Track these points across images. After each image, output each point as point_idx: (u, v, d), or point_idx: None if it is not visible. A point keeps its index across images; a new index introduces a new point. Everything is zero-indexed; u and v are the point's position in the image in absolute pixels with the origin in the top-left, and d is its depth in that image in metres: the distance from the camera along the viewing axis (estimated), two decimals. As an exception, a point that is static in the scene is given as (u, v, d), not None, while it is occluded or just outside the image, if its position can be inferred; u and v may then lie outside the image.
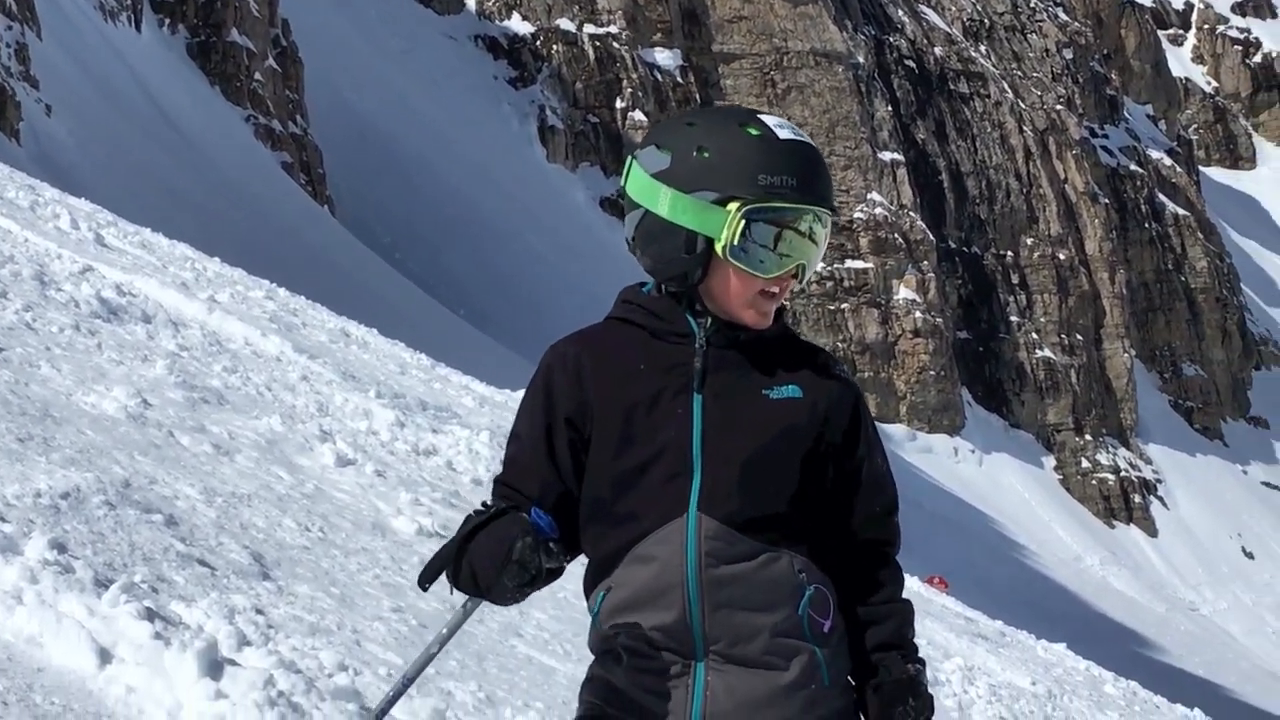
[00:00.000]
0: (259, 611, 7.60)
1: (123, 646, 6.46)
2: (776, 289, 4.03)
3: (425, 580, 4.10)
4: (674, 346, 4.06)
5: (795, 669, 3.99)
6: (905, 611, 4.16)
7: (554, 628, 9.78)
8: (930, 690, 4.14)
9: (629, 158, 4.15)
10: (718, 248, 3.99)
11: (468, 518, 4.06)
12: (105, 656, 6.34)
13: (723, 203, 3.98)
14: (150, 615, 6.72)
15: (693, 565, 3.94)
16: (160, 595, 7.19)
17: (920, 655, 4.16)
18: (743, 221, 3.97)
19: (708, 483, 3.96)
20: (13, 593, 6.58)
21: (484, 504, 4.12)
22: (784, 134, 4.02)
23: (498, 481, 4.18)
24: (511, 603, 4.06)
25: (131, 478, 9.05)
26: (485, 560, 3.98)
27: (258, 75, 66.01)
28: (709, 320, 4.06)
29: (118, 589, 6.82)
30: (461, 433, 16.00)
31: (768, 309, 4.05)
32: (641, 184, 4.08)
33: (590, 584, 4.08)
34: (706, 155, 4.00)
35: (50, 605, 6.56)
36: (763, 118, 4.05)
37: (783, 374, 4.05)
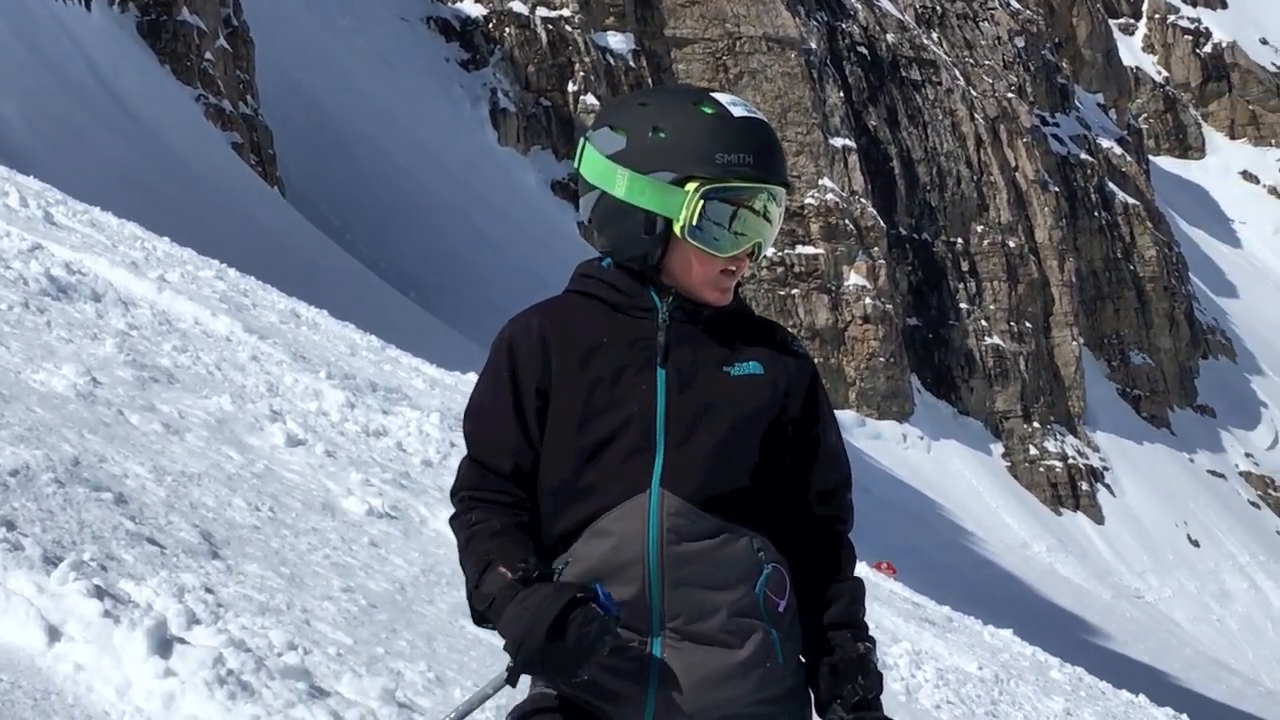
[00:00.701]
0: (208, 590, 7.58)
1: (71, 624, 6.44)
2: (734, 267, 4.04)
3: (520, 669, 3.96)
4: (636, 321, 4.06)
5: (750, 647, 4.00)
6: (857, 590, 4.17)
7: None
8: (879, 669, 4.15)
9: (582, 139, 4.14)
10: (676, 228, 3.99)
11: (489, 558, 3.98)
12: (54, 634, 6.33)
13: (680, 182, 3.98)
14: (99, 593, 6.70)
15: (654, 541, 3.94)
16: (109, 573, 7.17)
17: (870, 634, 4.17)
18: (700, 201, 3.97)
19: (671, 459, 3.96)
20: (-39, 569, 6.56)
21: (472, 515, 4.05)
22: (738, 111, 4.02)
23: (469, 460, 4.13)
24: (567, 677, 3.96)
25: (81, 456, 9.02)
26: (523, 626, 3.87)
27: (208, 55, 65.70)
28: (670, 296, 4.06)
29: (67, 566, 6.81)
30: (412, 414, 15.98)
31: (727, 286, 4.06)
32: (597, 166, 4.07)
33: (547, 557, 4.07)
34: (662, 135, 4.00)
35: (-1, 582, 6.54)
36: (716, 96, 4.05)
37: (743, 350, 4.05)
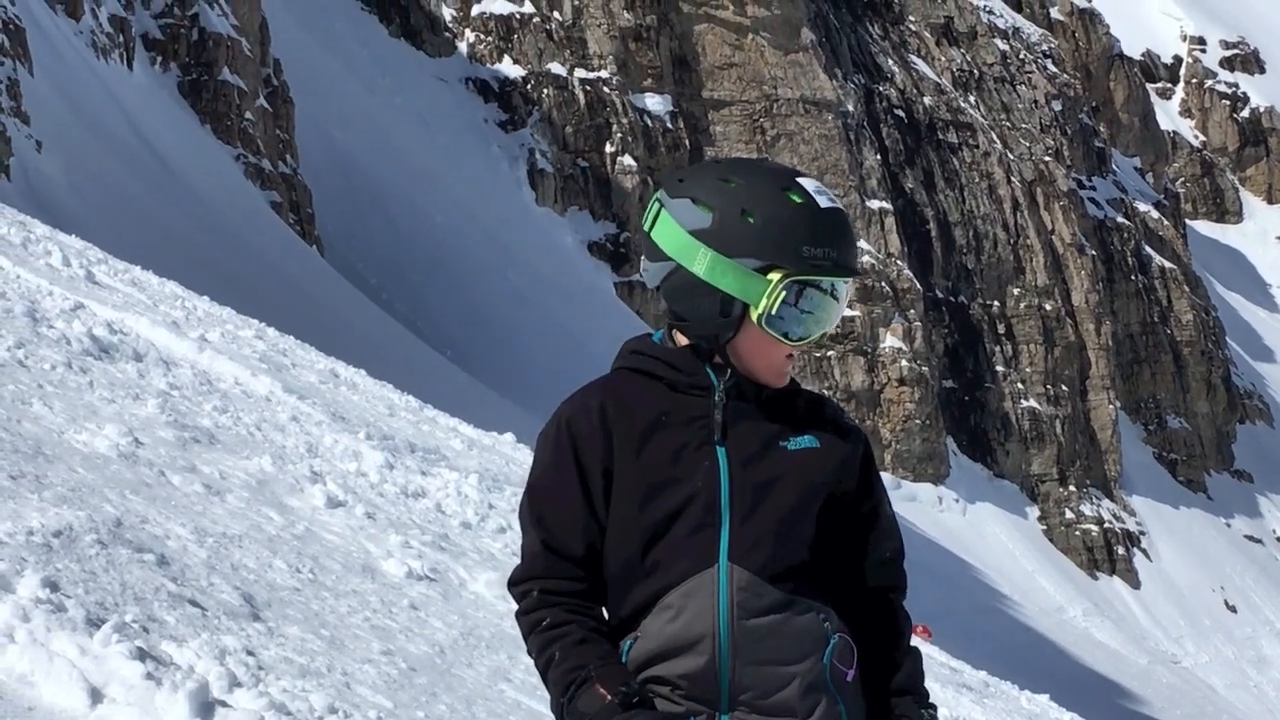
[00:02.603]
0: (250, 653, 7.59)
1: (114, 686, 6.45)
2: (795, 352, 4.06)
3: None
4: (694, 399, 4.07)
5: (818, 719, 4.01)
6: (917, 658, 4.20)
7: (543, 673, 9.76)
8: None
9: (656, 203, 4.11)
10: (753, 314, 4.00)
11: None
12: (97, 696, 6.34)
13: (764, 270, 3.99)
14: (142, 655, 6.72)
15: (724, 616, 3.95)
16: (151, 635, 7.19)
17: (932, 701, 4.18)
18: (783, 291, 3.99)
19: (737, 534, 3.97)
20: (4, 631, 6.58)
21: (548, 616, 4.07)
22: (824, 202, 4.03)
23: (538, 546, 4.09)
24: None
25: (123, 516, 9.05)
26: None
27: (248, 114, 66.05)
28: (728, 373, 4.07)
29: (109, 628, 6.82)
30: (450, 475, 15.99)
31: (788, 369, 4.08)
32: (677, 240, 4.04)
33: (615, 635, 4.08)
34: (751, 220, 3.99)
35: (42, 644, 6.56)
36: (801, 181, 4.05)
37: (798, 425, 4.07)
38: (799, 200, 4.01)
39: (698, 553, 3.99)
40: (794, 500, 4.02)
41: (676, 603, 3.99)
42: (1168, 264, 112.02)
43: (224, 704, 6.64)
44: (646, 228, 4.11)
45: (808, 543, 4.03)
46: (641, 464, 4.03)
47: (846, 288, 4.06)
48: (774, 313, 3.98)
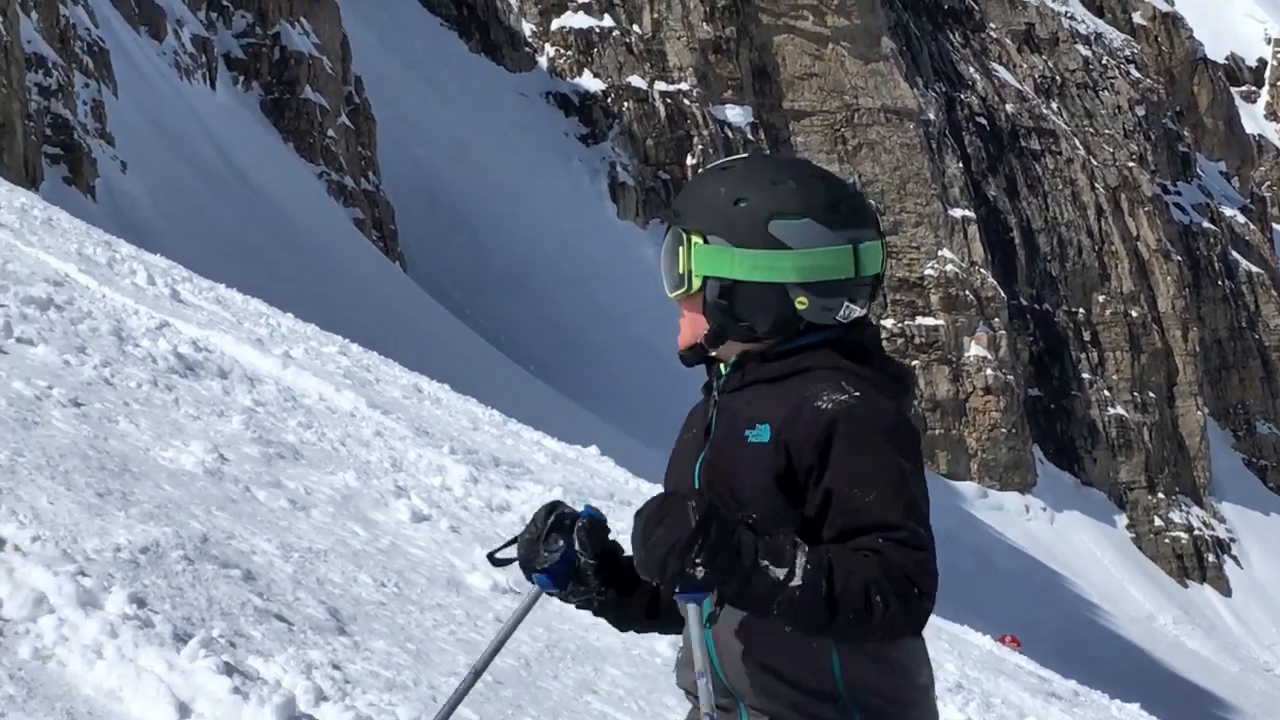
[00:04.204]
0: (336, 667, 7.62)
1: (201, 701, 6.48)
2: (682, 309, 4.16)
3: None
4: (704, 404, 4.16)
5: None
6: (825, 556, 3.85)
7: (629, 684, 9.77)
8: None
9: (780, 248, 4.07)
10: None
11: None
12: (184, 711, 6.37)
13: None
14: (229, 670, 6.75)
15: (708, 617, 3.93)
16: (238, 650, 7.22)
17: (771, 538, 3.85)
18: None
19: None
20: (93, 647, 6.62)
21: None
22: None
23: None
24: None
25: (209, 532, 9.10)
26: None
27: (331, 132, 66.47)
28: (719, 370, 4.13)
29: (196, 643, 6.86)
30: (535, 488, 16.02)
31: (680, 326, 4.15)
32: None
33: None
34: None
35: (130, 659, 6.59)
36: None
37: (762, 412, 3.98)
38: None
39: None
40: (750, 497, 3.91)
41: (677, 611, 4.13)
42: (1254, 268, 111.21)
43: (311, 718, 6.66)
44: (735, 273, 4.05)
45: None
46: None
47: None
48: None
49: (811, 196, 4.00)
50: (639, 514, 3.78)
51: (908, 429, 3.94)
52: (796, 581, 3.71)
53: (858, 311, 4.02)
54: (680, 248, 4.07)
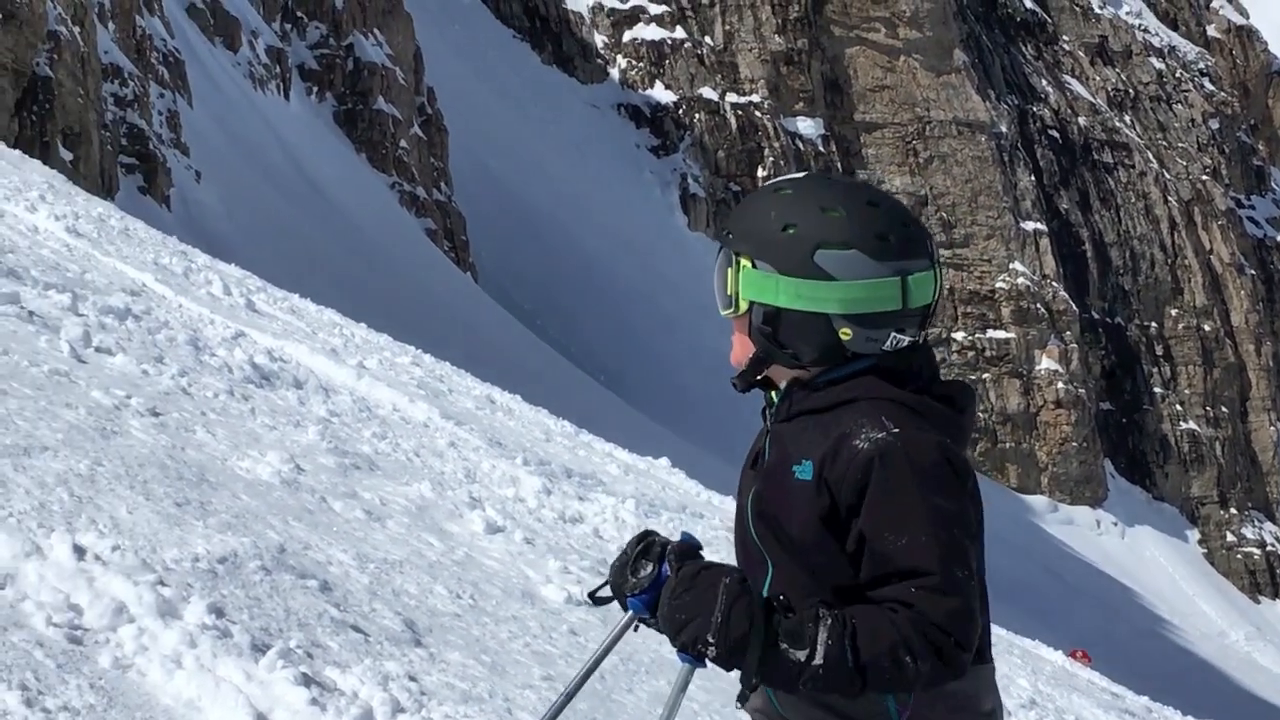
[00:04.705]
0: (412, 678, 7.63)
1: (279, 712, 6.51)
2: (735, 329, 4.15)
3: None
4: (762, 429, 4.17)
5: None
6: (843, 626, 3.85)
7: (703, 698, 9.75)
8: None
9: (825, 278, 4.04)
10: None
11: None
12: (263, 721, 6.40)
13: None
14: (306, 681, 6.77)
15: (738, 696, 3.97)
16: (315, 661, 7.24)
17: (820, 614, 3.84)
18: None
19: (775, 571, 3.96)
20: (172, 656, 6.65)
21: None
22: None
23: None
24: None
25: (286, 543, 9.13)
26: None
27: (403, 143, 66.71)
28: (771, 398, 4.14)
29: (274, 654, 6.88)
30: (607, 500, 16.01)
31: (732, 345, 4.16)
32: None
33: None
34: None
35: (209, 669, 6.62)
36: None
37: (808, 447, 3.96)
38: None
39: (759, 587, 4.03)
40: (799, 534, 3.91)
41: None
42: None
43: (388, 729, 6.68)
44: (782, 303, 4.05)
45: (829, 576, 3.90)
46: None
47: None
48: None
49: (860, 226, 3.94)
50: (675, 569, 3.87)
51: (948, 465, 3.86)
52: (818, 661, 3.71)
53: (905, 341, 3.98)
54: (730, 269, 4.06)
